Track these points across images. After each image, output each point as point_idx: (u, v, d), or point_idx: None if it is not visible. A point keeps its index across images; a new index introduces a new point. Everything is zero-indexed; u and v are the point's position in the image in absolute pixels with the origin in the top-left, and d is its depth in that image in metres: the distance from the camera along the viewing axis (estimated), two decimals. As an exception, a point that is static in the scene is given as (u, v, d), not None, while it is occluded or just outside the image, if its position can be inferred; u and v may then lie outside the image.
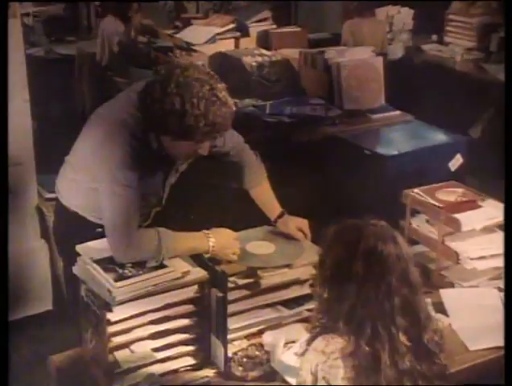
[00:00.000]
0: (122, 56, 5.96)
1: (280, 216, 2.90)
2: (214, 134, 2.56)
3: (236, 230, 2.73)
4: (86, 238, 2.57)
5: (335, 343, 2.01)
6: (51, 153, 3.89)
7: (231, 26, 5.80)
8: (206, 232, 2.60)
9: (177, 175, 2.89)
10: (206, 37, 5.65)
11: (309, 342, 2.08)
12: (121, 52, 5.94)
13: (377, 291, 2.01)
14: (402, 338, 2.01)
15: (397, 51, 6.35)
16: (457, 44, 6.37)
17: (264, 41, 5.70)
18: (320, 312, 2.14)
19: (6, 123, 2.72)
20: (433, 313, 2.59)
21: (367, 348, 1.97)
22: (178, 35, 5.80)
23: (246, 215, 2.96)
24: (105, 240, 2.54)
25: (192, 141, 2.55)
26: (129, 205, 2.54)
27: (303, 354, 2.08)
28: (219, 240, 2.58)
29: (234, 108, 2.59)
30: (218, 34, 5.73)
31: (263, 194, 2.99)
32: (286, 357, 2.47)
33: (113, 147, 2.54)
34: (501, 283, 2.90)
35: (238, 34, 5.80)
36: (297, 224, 2.85)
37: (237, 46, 5.70)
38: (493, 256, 2.91)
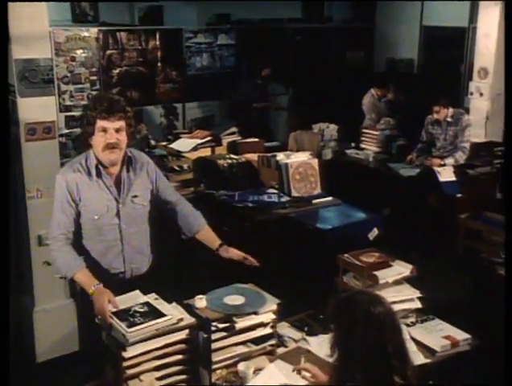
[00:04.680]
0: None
1: (221, 246, 2.91)
2: (105, 114, 2.66)
3: (215, 287, 2.71)
4: None
5: None
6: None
7: (209, 138, 5.84)
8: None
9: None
10: (191, 146, 5.66)
11: None
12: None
13: (378, 346, 1.94)
14: (397, 377, 1.97)
15: (327, 154, 6.39)
16: (369, 149, 6.41)
17: (233, 148, 5.71)
18: (335, 367, 2.06)
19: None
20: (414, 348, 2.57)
21: None
22: (171, 146, 5.82)
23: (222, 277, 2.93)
24: (119, 297, 2.53)
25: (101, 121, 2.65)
26: None
27: None
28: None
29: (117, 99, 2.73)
30: (199, 144, 5.75)
31: (207, 233, 2.97)
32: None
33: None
34: (407, 320, 2.92)
35: (214, 144, 5.85)
36: (234, 251, 2.86)
37: (213, 152, 5.72)
38: (401, 301, 2.92)
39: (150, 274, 2.95)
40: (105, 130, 2.68)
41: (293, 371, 2.48)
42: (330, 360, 2.09)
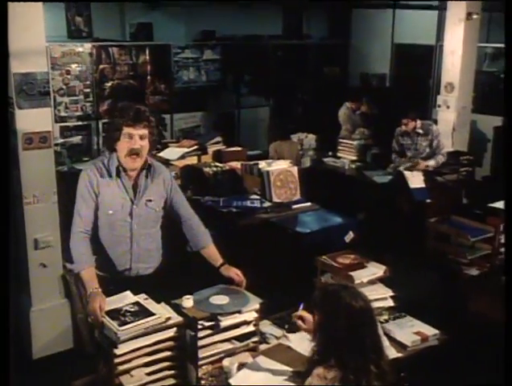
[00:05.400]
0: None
1: (223, 264, 2.91)
2: (131, 121, 2.73)
3: (201, 287, 2.70)
4: None
5: (334, 372, 1.98)
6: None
7: (195, 147, 5.82)
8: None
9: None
10: (178, 155, 5.64)
11: (309, 369, 2.04)
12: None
13: (356, 336, 1.99)
14: (372, 366, 2.01)
15: (306, 162, 6.39)
16: (346, 158, 6.41)
17: (217, 157, 5.71)
18: (315, 350, 2.10)
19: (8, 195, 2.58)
20: (387, 343, 2.58)
21: (351, 377, 1.97)
22: (159, 154, 5.79)
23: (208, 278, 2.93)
24: (111, 298, 2.52)
25: (127, 128, 2.72)
26: None
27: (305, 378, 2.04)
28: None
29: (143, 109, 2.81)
30: (186, 152, 5.73)
31: (211, 251, 2.97)
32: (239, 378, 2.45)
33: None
34: (381, 318, 2.93)
35: (200, 152, 5.84)
36: (234, 271, 2.86)
37: (199, 160, 5.70)
38: (376, 299, 2.92)
39: (156, 276, 2.95)
40: (130, 136, 2.76)
41: (293, 318, 2.49)
42: (311, 344, 2.13)
